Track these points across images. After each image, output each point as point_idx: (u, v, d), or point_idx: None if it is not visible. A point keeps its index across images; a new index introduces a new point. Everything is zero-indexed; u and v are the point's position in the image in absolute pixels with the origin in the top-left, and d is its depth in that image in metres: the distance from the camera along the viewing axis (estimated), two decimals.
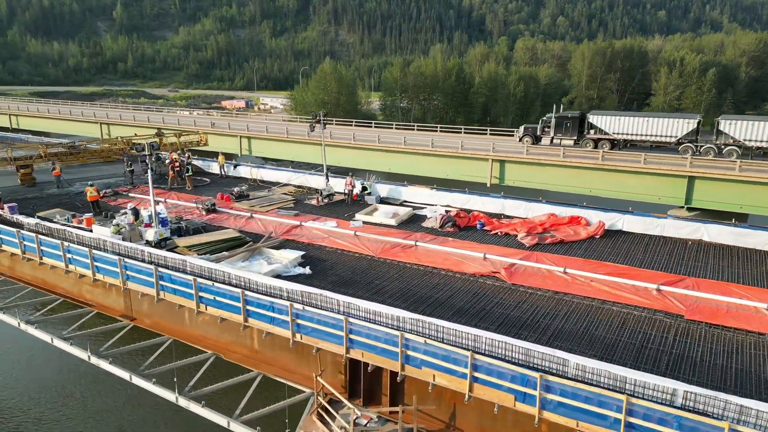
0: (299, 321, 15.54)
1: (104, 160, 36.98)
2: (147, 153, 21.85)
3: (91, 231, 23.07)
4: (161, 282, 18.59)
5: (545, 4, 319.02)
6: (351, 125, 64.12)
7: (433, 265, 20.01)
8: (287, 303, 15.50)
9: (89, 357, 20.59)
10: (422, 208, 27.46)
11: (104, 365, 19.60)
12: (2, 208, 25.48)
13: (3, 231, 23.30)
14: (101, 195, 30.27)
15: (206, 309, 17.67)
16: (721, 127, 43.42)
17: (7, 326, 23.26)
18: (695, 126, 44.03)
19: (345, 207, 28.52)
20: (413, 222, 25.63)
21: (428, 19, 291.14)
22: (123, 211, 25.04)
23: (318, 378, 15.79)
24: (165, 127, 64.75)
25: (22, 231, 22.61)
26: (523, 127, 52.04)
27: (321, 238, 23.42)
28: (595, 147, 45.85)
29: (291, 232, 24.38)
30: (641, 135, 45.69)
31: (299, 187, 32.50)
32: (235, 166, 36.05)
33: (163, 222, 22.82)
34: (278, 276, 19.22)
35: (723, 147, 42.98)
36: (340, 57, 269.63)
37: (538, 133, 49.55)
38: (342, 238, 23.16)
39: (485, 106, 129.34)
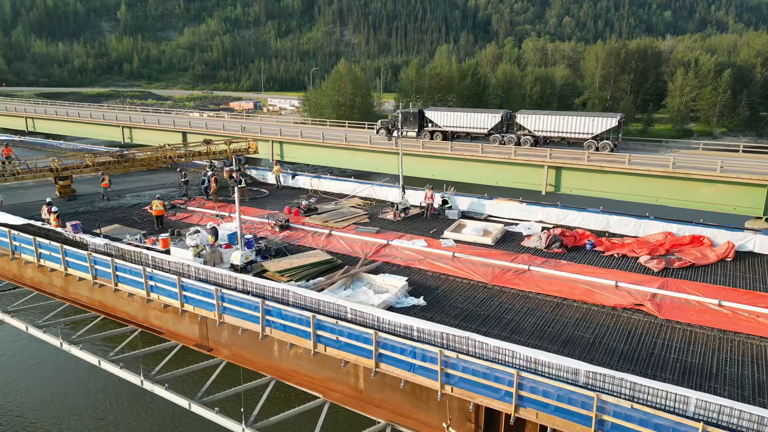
0: (449, 371, 13.48)
1: (146, 168, 34.82)
2: (236, 168, 19.74)
3: (167, 253, 21.00)
4: (267, 317, 16.52)
5: (551, 5, 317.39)
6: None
7: (559, 294, 17.99)
8: (436, 350, 13.42)
9: (142, 382, 18.91)
10: (512, 224, 25.42)
11: (159, 390, 18.38)
12: (60, 226, 23.37)
13: (68, 253, 21.19)
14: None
15: (326, 350, 15.60)
16: (518, 120, 51.88)
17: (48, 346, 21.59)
18: (499, 120, 51.94)
19: (425, 222, 26.49)
20: (508, 241, 23.59)
21: (434, 19, 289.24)
22: (194, 228, 22.94)
23: (450, 430, 13.98)
24: (192, 131, 62.84)
25: (95, 254, 20.48)
26: (380, 121, 59.65)
27: (416, 260, 21.37)
28: (431, 138, 54.64)
29: (380, 252, 22.35)
30: (462, 127, 53.83)
31: (366, 199, 30.42)
32: (293, 176, 33.84)
33: (249, 243, 20.73)
34: (390, 308, 17.23)
35: (520, 137, 50.48)
36: (346, 57, 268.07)
37: (390, 127, 55.84)
38: (441, 261, 21.11)
39: (500, 108, 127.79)
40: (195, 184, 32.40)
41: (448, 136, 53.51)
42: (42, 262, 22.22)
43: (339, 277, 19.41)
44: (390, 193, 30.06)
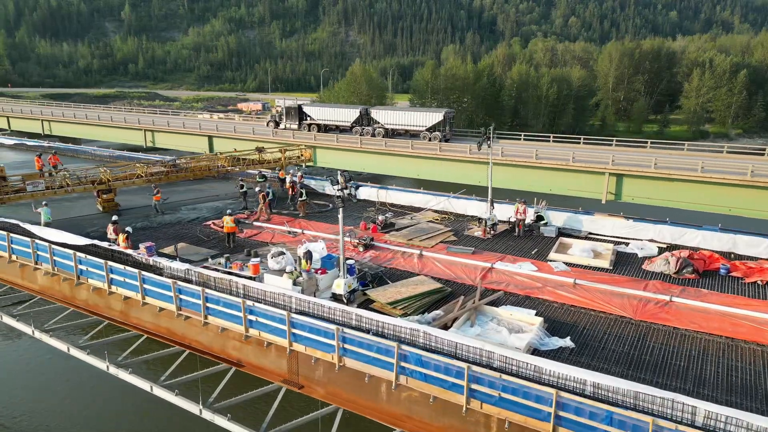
0: None
1: (193, 177, 32.43)
2: (340, 187, 17.49)
3: (259, 280, 18.74)
4: (403, 363, 14.29)
5: (556, 5, 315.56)
6: None
7: (722, 332, 15.81)
8: (647, 419, 11.17)
9: (201, 411, 16.75)
10: (621, 243, 23.22)
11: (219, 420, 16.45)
12: (131, 247, 21.10)
13: (147, 280, 18.92)
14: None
15: (481, 407, 13.37)
16: (373, 115, 56.99)
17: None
18: (358, 114, 57.17)
19: (518, 241, 24.26)
20: (625, 263, 21.36)
21: (439, 19, 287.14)
22: (275, 249, 20.68)
23: None
24: (219, 135, 60.49)
25: (179, 284, 18.20)
26: (270, 115, 65.44)
27: (533, 288, 19.16)
28: (309, 130, 58.97)
29: (487, 277, 20.12)
30: (331, 120, 58.97)
31: (441, 212, 28.14)
32: (357, 187, 31.45)
33: (351, 269, 18.49)
34: (534, 351, 15.02)
35: (375, 129, 55.37)
36: (351, 58, 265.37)
37: (277, 119, 61.05)
38: (562, 289, 18.88)
39: (515, 109, 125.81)
40: (252, 195, 30.10)
41: (321, 128, 59.24)
42: (114, 289, 19.95)
43: (459, 310, 17.17)
44: (469, 207, 27.81)
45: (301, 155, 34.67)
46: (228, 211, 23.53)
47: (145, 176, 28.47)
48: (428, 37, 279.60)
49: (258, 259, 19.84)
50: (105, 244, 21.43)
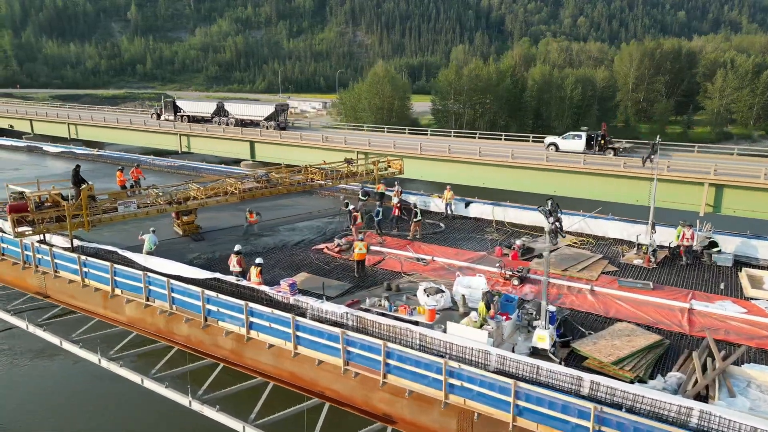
0: None
1: (276, 192, 29.01)
2: (552, 220, 14.40)
3: (440, 329, 15.56)
4: None
5: (564, 5, 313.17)
6: (474, 137, 56.77)
7: None
8: None
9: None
10: None
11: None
12: (263, 283, 17.96)
13: (302, 327, 15.75)
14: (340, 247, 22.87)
15: None
16: (226, 107, 67.26)
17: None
18: (215, 107, 67.19)
19: (689, 271, 21.15)
20: None
21: (447, 19, 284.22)
22: (430, 285, 17.57)
23: None
24: (261, 141, 57.30)
25: (350, 334, 15.02)
26: (153, 109, 77.71)
27: (764, 338, 16.05)
28: (182, 121, 68.33)
29: (695, 324, 17.00)
30: (197, 113, 68.51)
31: (578, 234, 24.99)
32: (467, 204, 28.28)
33: (552, 317, 15.36)
34: None
35: (228, 120, 65.20)
36: (360, 58, 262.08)
37: (158, 112, 71.66)
38: None
39: (537, 111, 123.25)
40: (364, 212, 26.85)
41: (191, 119, 67.86)
42: (254, 334, 16.79)
43: (704, 377, 14.00)
44: (610, 228, 24.70)
45: (388, 166, 31.40)
46: (360, 237, 20.30)
47: (239, 193, 25.20)
48: (437, 38, 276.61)
49: (434, 302, 16.66)
50: (232, 278, 18.27)
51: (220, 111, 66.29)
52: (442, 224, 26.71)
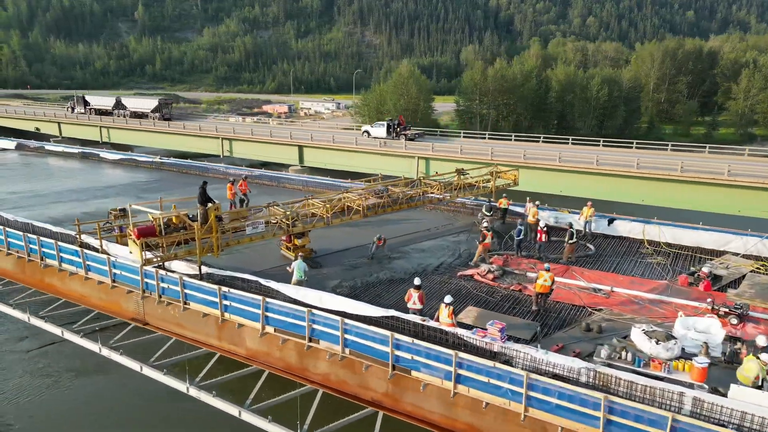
0: None
1: (398, 208, 25.76)
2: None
3: (704, 390, 12.77)
4: None
5: (572, 5, 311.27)
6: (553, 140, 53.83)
7: None
8: None
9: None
10: None
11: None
12: (455, 325, 15.21)
13: (536, 387, 12.99)
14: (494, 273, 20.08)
15: None
16: (124, 101, 76.47)
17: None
18: (114, 102, 76.91)
19: None
20: None
21: (456, 19, 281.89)
22: (649, 327, 14.84)
23: None
24: (311, 146, 54.54)
25: (612, 400, 12.26)
26: (69, 102, 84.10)
27: None
28: (91, 114, 77.41)
29: None
30: (102, 106, 77.66)
31: (758, 259, 22.00)
32: (611, 221, 25.53)
33: None
34: None
35: (124, 113, 74.17)
36: (368, 59, 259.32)
37: (73, 107, 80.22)
38: None
39: (561, 112, 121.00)
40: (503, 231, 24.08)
41: (98, 111, 77.14)
42: (462, 389, 14.02)
43: None
44: None
45: (495, 176, 28.48)
46: (546, 267, 17.51)
47: (363, 210, 22.42)
48: (446, 37, 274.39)
49: (667, 350, 13.80)
50: (410, 317, 15.49)
51: (119, 104, 76.31)
52: (591, 245, 23.88)
